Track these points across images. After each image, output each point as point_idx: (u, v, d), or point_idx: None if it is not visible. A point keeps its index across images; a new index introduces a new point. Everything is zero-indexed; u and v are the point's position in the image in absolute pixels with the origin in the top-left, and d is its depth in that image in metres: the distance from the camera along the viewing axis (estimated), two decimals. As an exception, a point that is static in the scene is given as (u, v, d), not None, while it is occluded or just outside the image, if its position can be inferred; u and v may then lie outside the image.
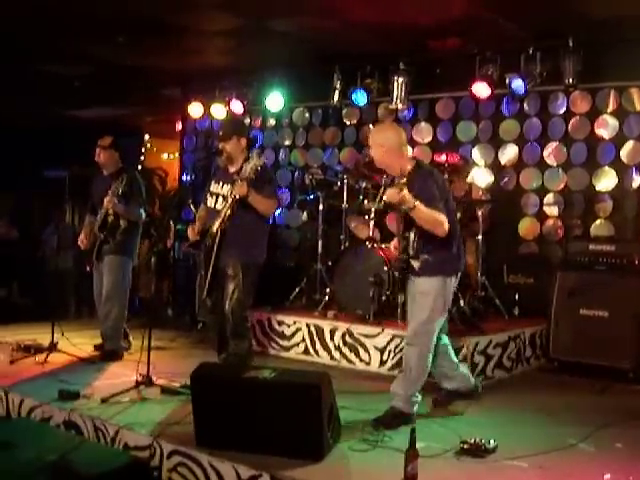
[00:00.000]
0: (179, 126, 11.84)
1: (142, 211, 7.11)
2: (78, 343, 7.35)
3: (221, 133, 6.29)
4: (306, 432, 4.29)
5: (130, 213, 6.99)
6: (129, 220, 7.00)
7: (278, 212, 10.04)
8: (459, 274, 5.30)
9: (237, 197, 5.89)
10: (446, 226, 4.93)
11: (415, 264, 5.08)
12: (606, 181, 7.96)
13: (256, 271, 6.21)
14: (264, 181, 6.09)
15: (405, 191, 4.76)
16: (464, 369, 5.64)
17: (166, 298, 9.66)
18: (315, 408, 4.24)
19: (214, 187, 6.27)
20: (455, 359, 5.54)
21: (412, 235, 5.06)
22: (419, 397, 5.17)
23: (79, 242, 7.20)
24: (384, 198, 5.13)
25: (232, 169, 6.21)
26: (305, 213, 9.33)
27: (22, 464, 4.34)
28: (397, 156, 5.16)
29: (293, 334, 7.49)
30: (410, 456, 4.00)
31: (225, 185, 6.13)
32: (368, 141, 5.39)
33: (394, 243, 5.42)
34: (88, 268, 7.26)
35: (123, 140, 7.57)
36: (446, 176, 5.61)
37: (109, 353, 6.98)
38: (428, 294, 5.09)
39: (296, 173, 9.96)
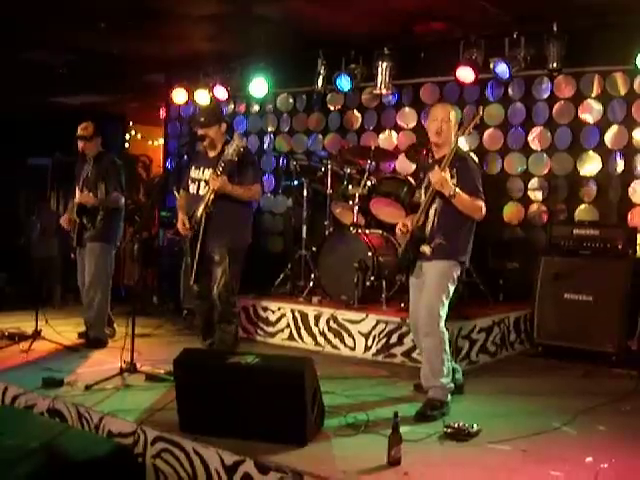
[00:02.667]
0: (163, 112, 11.78)
1: (119, 195, 7.04)
2: (62, 331, 7.33)
3: (203, 119, 6.25)
4: (290, 417, 4.28)
5: (106, 201, 6.96)
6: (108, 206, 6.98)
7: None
8: (464, 266, 5.33)
9: (215, 190, 5.89)
10: (484, 210, 5.06)
11: (426, 249, 5.09)
12: (590, 166, 7.97)
13: (242, 255, 6.23)
14: (247, 163, 6.11)
15: (448, 176, 4.89)
16: (453, 364, 5.51)
17: (151, 285, 9.62)
18: (298, 393, 4.24)
19: (194, 173, 6.26)
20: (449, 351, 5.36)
21: (432, 216, 5.11)
22: (452, 384, 5.16)
23: (61, 221, 7.18)
24: (430, 177, 5.06)
25: (212, 154, 6.21)
26: (290, 199, 9.30)
27: (6, 451, 4.33)
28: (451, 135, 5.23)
29: (278, 320, 7.49)
30: (394, 440, 4.02)
31: (206, 170, 6.12)
32: (433, 115, 5.31)
33: (403, 222, 5.36)
34: (73, 255, 7.25)
35: (106, 127, 7.53)
36: (430, 161, 5.61)
37: (93, 340, 6.96)
38: (440, 277, 5.10)
39: (280, 159, 9.92)
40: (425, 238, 5.12)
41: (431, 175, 5.01)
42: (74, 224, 7.02)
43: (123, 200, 7.12)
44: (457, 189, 4.93)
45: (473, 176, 5.13)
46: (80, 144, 7.08)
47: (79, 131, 7.08)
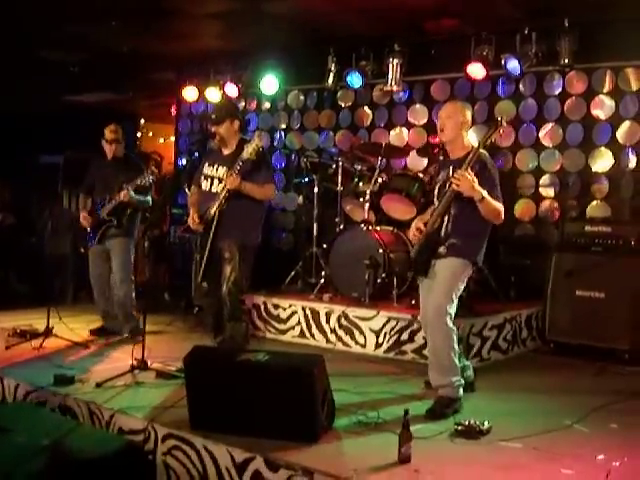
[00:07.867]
0: (174, 110, 11.80)
1: (149, 198, 7.26)
2: (74, 328, 7.35)
3: (214, 117, 6.28)
4: (300, 415, 4.28)
5: (142, 203, 7.19)
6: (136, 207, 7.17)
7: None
8: (477, 265, 5.29)
9: (229, 189, 5.90)
10: (502, 215, 5.01)
11: (441, 249, 5.06)
12: (602, 162, 7.93)
13: (252, 253, 6.23)
14: (263, 163, 6.12)
15: (476, 181, 4.79)
16: (464, 361, 5.49)
17: (162, 282, 9.64)
18: (308, 391, 4.24)
19: (208, 170, 6.26)
20: (457, 348, 5.29)
21: (448, 217, 5.05)
22: (462, 380, 5.12)
23: (82, 219, 7.22)
24: (453, 185, 4.88)
25: (226, 151, 6.23)
26: (300, 196, 9.30)
27: (17, 448, 4.34)
28: (461, 133, 5.16)
29: (289, 317, 7.49)
30: (404, 438, 4.01)
31: (220, 167, 6.14)
32: (439, 113, 5.26)
33: (417, 226, 5.26)
34: (82, 250, 7.30)
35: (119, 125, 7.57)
36: (441, 158, 5.57)
37: (134, 330, 7.03)
38: (451, 275, 5.04)
39: (291, 156, 9.93)
40: (440, 240, 5.07)
41: (457, 180, 4.83)
42: (96, 221, 7.06)
43: (151, 202, 7.35)
44: (485, 193, 4.82)
45: (494, 180, 5.05)
46: (112, 147, 7.14)
47: (111, 135, 7.14)
